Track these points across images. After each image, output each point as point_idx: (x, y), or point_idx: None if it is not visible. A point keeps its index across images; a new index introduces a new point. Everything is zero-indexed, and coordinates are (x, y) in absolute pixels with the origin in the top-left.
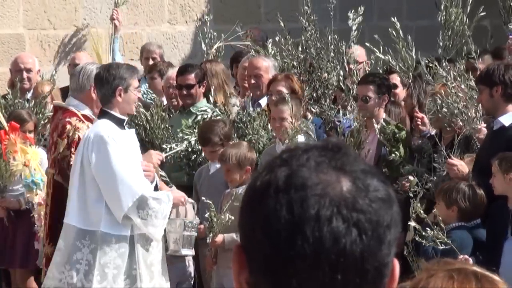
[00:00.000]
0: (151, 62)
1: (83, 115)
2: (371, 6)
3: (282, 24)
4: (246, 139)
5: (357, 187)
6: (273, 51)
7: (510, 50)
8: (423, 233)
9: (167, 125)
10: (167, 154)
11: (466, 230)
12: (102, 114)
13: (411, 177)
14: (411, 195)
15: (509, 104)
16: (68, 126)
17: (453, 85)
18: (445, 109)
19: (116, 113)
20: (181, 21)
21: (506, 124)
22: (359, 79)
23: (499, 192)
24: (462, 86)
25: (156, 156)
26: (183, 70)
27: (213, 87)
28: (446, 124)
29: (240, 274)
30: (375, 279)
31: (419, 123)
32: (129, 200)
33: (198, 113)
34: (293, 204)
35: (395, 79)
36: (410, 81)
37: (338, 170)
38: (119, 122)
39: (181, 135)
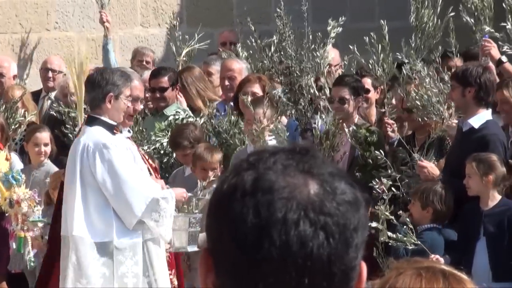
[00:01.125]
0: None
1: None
2: (344, 8)
3: (252, 28)
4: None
5: (325, 190)
6: (243, 54)
7: (483, 52)
8: (393, 235)
9: (140, 128)
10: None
11: (437, 231)
12: (92, 121)
13: (384, 180)
14: (385, 197)
15: (479, 107)
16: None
17: (427, 80)
18: (418, 102)
19: (106, 119)
20: (153, 24)
21: (476, 126)
22: (334, 80)
23: (474, 193)
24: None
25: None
26: (156, 73)
27: (192, 95)
28: (420, 119)
29: (207, 277)
30: (342, 282)
31: (389, 129)
32: (142, 205)
33: (170, 115)
34: (260, 207)
35: (367, 82)
36: (385, 84)
37: (306, 173)
38: (110, 128)
39: (154, 137)
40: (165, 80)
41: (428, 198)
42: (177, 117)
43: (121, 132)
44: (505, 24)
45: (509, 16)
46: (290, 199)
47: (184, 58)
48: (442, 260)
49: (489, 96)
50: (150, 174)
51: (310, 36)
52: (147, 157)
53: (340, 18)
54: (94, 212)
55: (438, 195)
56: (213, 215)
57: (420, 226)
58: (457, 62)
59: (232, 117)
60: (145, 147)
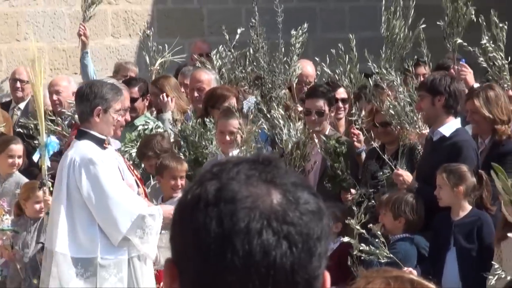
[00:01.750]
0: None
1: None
2: (315, 19)
3: (227, 36)
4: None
5: (288, 200)
6: (217, 63)
7: (459, 76)
8: (366, 248)
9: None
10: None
11: (409, 241)
12: (81, 135)
13: (353, 191)
14: (354, 208)
15: (449, 116)
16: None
17: (400, 89)
18: (391, 111)
19: (95, 132)
20: (124, 34)
21: (447, 135)
22: (307, 92)
23: (445, 204)
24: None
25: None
26: (127, 83)
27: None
28: (393, 127)
29: (171, 287)
30: None
31: (355, 140)
32: (127, 222)
33: (140, 125)
34: (223, 217)
35: (342, 92)
36: (352, 94)
37: (269, 183)
38: (100, 142)
39: (123, 148)
40: (135, 91)
41: (400, 208)
42: (146, 127)
43: (109, 144)
44: (483, 38)
45: (485, 30)
46: (253, 209)
47: (158, 68)
48: (415, 272)
49: (458, 104)
50: (138, 186)
51: (283, 49)
52: (132, 168)
53: (302, 25)
54: (79, 228)
55: (409, 205)
56: (177, 225)
57: (393, 237)
58: (426, 71)
59: (195, 121)
60: None
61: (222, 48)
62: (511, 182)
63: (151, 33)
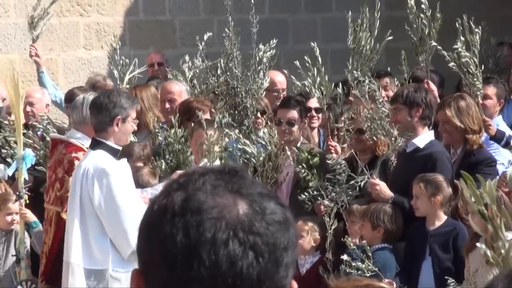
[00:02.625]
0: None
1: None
2: (286, 30)
3: (200, 47)
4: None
5: (254, 210)
6: (189, 75)
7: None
8: (353, 263)
9: None
10: None
11: (388, 251)
12: (96, 144)
13: (326, 202)
14: (328, 219)
15: (424, 127)
16: (77, 162)
17: (380, 100)
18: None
19: (111, 143)
20: (96, 46)
21: (421, 146)
22: (280, 102)
23: (421, 214)
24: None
25: None
26: None
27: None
28: (369, 139)
29: None
30: None
31: (332, 151)
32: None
33: None
34: (189, 228)
35: (315, 102)
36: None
37: (235, 193)
38: (114, 153)
39: None
40: None
41: (379, 218)
42: None
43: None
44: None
45: (460, 35)
46: (219, 219)
47: (127, 86)
48: (395, 284)
49: (433, 115)
50: None
51: (258, 58)
52: None
53: (272, 41)
54: (92, 239)
55: (387, 215)
56: (144, 236)
57: (372, 247)
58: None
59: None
60: None
61: (193, 59)
62: (480, 191)
63: (118, 46)
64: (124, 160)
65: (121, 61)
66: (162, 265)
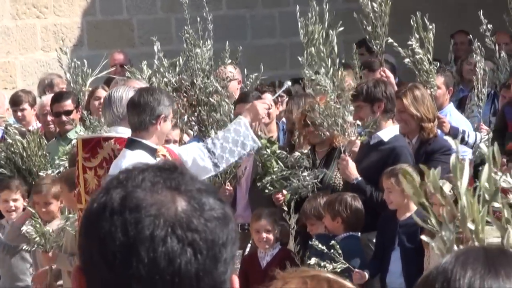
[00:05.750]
0: (45, 96)
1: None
2: (245, 26)
3: (158, 46)
4: None
5: (192, 206)
6: (148, 72)
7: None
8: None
9: (44, 152)
10: (273, 97)
11: (354, 239)
12: (134, 144)
13: (285, 191)
14: (286, 209)
15: (388, 120)
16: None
17: (332, 96)
18: (322, 120)
19: (149, 142)
20: (54, 47)
21: (385, 139)
22: (237, 97)
23: (395, 207)
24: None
25: (262, 106)
26: (59, 97)
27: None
28: (322, 134)
29: None
30: None
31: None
32: None
33: (74, 138)
34: (128, 225)
35: (268, 98)
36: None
37: (173, 190)
38: (152, 152)
39: (58, 161)
40: (69, 103)
41: (335, 208)
42: None
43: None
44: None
45: (414, 32)
46: (158, 216)
47: (89, 88)
48: (366, 274)
49: (394, 106)
50: None
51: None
52: None
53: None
54: None
55: (343, 204)
56: (84, 234)
57: (338, 237)
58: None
59: None
60: (49, 171)
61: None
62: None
63: (67, 48)
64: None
65: (73, 64)
66: (101, 263)
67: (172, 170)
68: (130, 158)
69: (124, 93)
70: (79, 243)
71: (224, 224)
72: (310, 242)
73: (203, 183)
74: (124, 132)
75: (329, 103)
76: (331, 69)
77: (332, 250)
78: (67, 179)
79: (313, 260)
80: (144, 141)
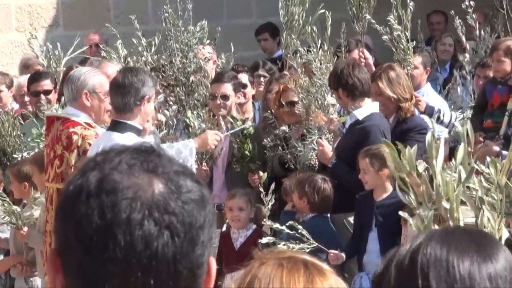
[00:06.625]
0: (22, 77)
1: (86, 123)
2: (221, 6)
3: (137, 25)
4: None
5: (169, 189)
6: (122, 52)
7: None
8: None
9: (18, 133)
10: (226, 134)
11: (321, 219)
12: (118, 125)
13: (261, 172)
14: (262, 190)
15: (362, 100)
16: (75, 137)
17: (305, 78)
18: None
19: (134, 123)
20: (29, 28)
21: (360, 118)
22: (213, 77)
23: (371, 186)
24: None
25: (213, 136)
26: (37, 76)
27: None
28: (299, 112)
29: (55, 278)
30: (189, 280)
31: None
32: None
33: None
34: (105, 208)
35: (244, 78)
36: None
37: (150, 173)
38: (139, 133)
39: (32, 144)
40: (48, 83)
41: (303, 188)
42: None
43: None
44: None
45: (394, 10)
46: (135, 199)
47: (63, 68)
48: (343, 255)
49: (363, 87)
50: None
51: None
52: None
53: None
54: None
55: (311, 186)
56: (60, 216)
57: (306, 216)
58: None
59: None
60: (24, 153)
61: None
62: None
63: (36, 31)
64: (148, 137)
65: (45, 48)
66: (77, 246)
67: (149, 152)
68: (121, 140)
69: (84, 74)
70: (55, 226)
71: (202, 206)
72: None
73: (180, 165)
74: (73, 113)
75: (312, 81)
76: (320, 49)
77: (298, 231)
78: (37, 161)
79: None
80: (130, 122)
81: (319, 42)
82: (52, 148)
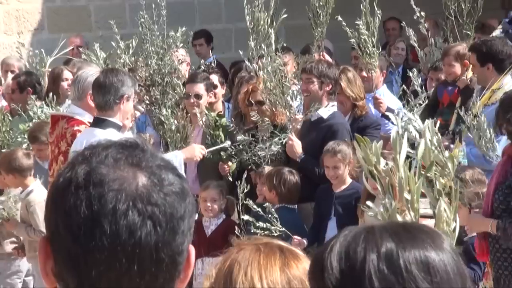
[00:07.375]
0: (9, 75)
1: (89, 122)
2: (193, 12)
3: (116, 29)
4: None
5: (152, 182)
6: (101, 55)
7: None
8: (262, 224)
9: (7, 128)
10: (209, 150)
11: (287, 210)
12: (100, 122)
13: (230, 163)
14: (231, 179)
15: (330, 100)
16: (79, 135)
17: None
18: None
19: (115, 120)
20: (16, 31)
21: (325, 116)
22: (187, 78)
23: (341, 180)
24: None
25: (199, 150)
26: (18, 77)
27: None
28: (266, 110)
29: (46, 264)
30: (170, 266)
31: None
32: None
33: (35, 116)
34: (92, 200)
35: (215, 79)
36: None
37: (135, 166)
38: (119, 129)
39: (20, 139)
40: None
41: (272, 181)
42: (40, 116)
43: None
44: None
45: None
46: (120, 191)
47: (48, 69)
48: (304, 241)
49: (337, 90)
50: None
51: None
52: None
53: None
54: None
55: (278, 178)
56: (50, 207)
57: (274, 206)
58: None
59: None
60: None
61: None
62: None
63: (21, 37)
64: (128, 133)
65: (30, 53)
66: (66, 234)
67: (134, 147)
68: (103, 136)
69: (91, 77)
70: (46, 215)
71: (182, 198)
72: (246, 215)
73: (163, 160)
74: (78, 112)
75: (273, 83)
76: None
77: (269, 216)
78: (1, 164)
79: (246, 217)
80: (111, 119)
81: (281, 46)
82: (57, 145)
